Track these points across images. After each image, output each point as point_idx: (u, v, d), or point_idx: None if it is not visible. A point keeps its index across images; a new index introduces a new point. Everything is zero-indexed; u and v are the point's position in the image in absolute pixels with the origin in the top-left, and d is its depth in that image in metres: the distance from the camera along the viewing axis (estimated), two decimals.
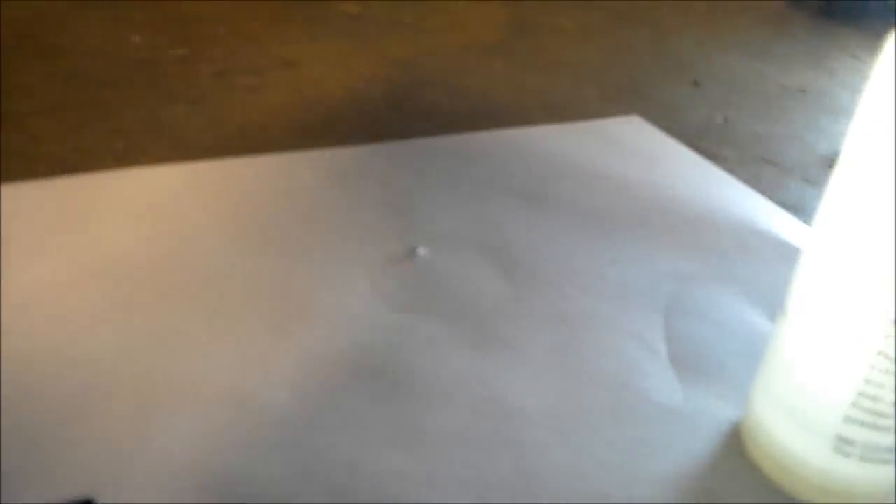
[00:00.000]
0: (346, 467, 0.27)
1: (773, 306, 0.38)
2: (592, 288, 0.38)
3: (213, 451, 0.27)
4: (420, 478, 0.28)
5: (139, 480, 0.26)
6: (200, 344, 0.32)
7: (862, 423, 0.27)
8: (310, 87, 0.53)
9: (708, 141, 0.53)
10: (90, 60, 0.53)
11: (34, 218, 0.37)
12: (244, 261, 0.36)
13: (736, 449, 0.30)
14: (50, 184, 0.39)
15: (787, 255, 0.42)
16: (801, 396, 0.28)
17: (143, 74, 0.52)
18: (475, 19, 0.69)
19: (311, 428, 0.29)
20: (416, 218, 0.41)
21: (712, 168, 0.49)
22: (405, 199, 0.42)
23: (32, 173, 0.40)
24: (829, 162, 0.52)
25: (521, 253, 0.39)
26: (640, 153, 0.50)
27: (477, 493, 0.27)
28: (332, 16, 0.65)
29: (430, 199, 0.42)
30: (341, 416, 0.29)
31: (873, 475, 0.28)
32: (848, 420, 0.27)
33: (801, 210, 0.46)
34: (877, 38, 0.76)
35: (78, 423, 0.28)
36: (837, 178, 0.27)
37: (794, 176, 0.50)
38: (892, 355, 0.25)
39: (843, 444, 0.27)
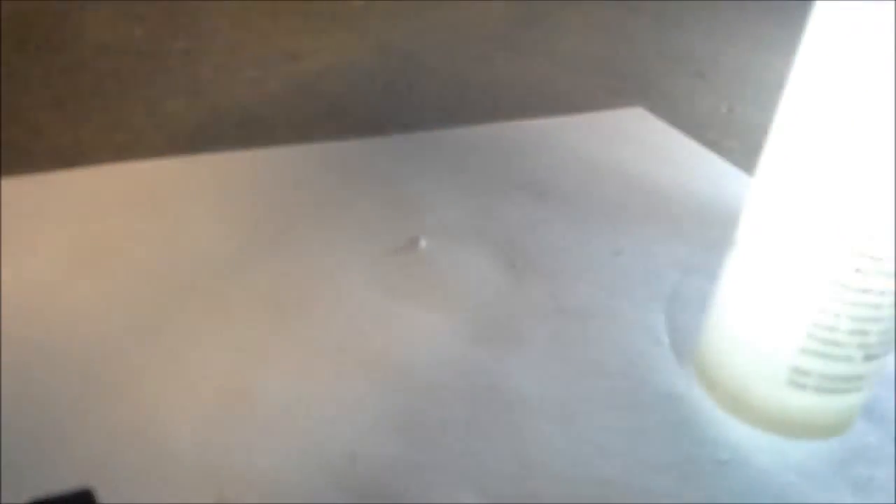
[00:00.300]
0: (346, 456, 0.27)
1: None
2: (595, 278, 0.37)
3: (212, 442, 0.27)
4: (421, 466, 0.27)
5: (139, 472, 0.26)
6: (200, 336, 0.32)
7: (817, 354, 0.27)
8: (312, 80, 0.53)
9: (712, 132, 0.53)
10: (92, 53, 0.53)
11: (35, 211, 0.37)
12: (245, 253, 0.36)
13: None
14: (50, 177, 0.39)
15: None
16: (754, 329, 0.27)
17: (145, 67, 0.52)
18: (479, 12, 0.69)
19: (311, 418, 0.29)
20: (417, 210, 0.41)
21: (716, 159, 0.49)
22: (407, 192, 0.42)
23: (33, 166, 0.40)
24: None
25: (523, 244, 0.39)
26: (643, 144, 0.50)
27: (478, 480, 0.27)
28: (335, 8, 0.65)
29: (432, 192, 0.42)
30: (341, 406, 0.29)
31: (829, 405, 0.28)
32: (804, 351, 0.27)
33: None
34: None
35: (77, 415, 0.28)
36: (788, 104, 0.27)
37: None
38: (849, 283, 0.25)
39: (798, 376, 0.27)
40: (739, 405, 0.29)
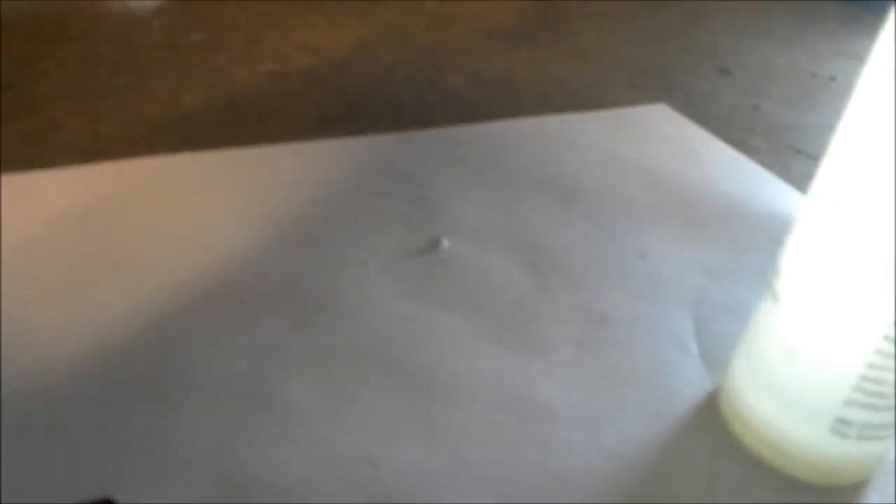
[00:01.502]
0: (367, 463, 0.27)
1: None
2: (620, 282, 0.37)
3: (232, 447, 0.27)
4: (442, 473, 0.27)
5: (159, 478, 0.25)
6: (219, 337, 0.31)
7: (862, 405, 0.26)
8: (331, 74, 0.52)
9: (737, 130, 0.52)
10: (109, 46, 0.52)
11: (52, 207, 0.36)
12: (264, 251, 0.36)
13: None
14: (65, 172, 0.39)
15: None
16: (800, 382, 0.27)
17: (163, 60, 0.51)
18: (498, 5, 0.68)
19: (331, 423, 0.28)
20: (439, 209, 0.40)
21: (741, 158, 0.48)
22: (428, 190, 0.41)
23: (50, 160, 0.40)
24: None
25: (546, 244, 0.38)
26: (667, 142, 0.49)
27: (500, 490, 0.27)
28: (355, 2, 0.64)
29: (453, 190, 0.41)
30: (362, 411, 0.29)
31: (868, 452, 0.28)
32: (849, 403, 0.26)
33: None
34: None
35: (96, 420, 0.27)
36: (835, 154, 0.26)
37: None
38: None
39: (841, 426, 0.27)
40: (776, 452, 0.28)
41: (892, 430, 0.27)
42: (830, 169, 0.26)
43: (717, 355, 0.33)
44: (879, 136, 0.24)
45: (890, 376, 0.26)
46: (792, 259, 0.27)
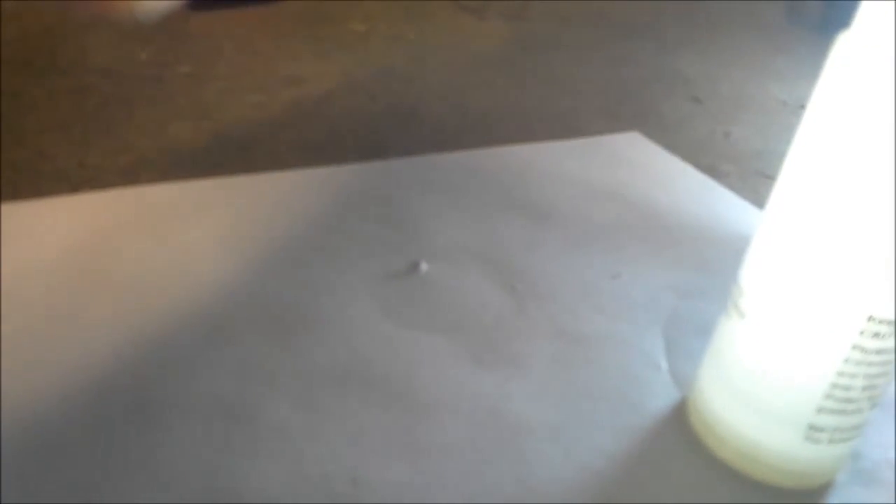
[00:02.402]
0: (348, 479, 0.28)
1: None
2: (594, 302, 0.38)
3: (216, 464, 0.28)
4: (422, 489, 0.28)
5: (143, 495, 0.26)
6: (204, 358, 0.32)
7: (833, 411, 0.27)
8: (315, 104, 0.54)
9: (708, 156, 0.54)
10: (96, 77, 0.54)
11: (38, 236, 0.37)
12: (249, 275, 0.37)
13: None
14: (54, 202, 0.40)
15: None
16: (771, 394, 0.28)
17: (150, 90, 0.53)
18: (478, 36, 0.70)
19: (312, 440, 0.29)
20: (418, 233, 0.41)
21: (712, 183, 0.50)
22: (407, 215, 0.43)
23: (37, 190, 0.41)
24: None
25: (522, 267, 0.40)
26: (639, 168, 0.50)
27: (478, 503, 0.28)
28: (338, 33, 0.66)
29: (431, 215, 0.43)
30: (343, 429, 0.30)
31: (837, 454, 0.29)
32: (820, 410, 0.27)
33: None
34: None
35: (82, 438, 0.28)
36: (789, 172, 0.27)
37: None
38: (866, 346, 0.26)
39: (814, 433, 0.28)
40: (747, 460, 0.29)
41: (860, 431, 0.29)
42: (785, 185, 0.27)
43: (686, 371, 0.34)
44: (830, 153, 0.25)
45: (859, 381, 0.27)
46: (752, 275, 0.28)
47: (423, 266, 0.39)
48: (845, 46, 0.25)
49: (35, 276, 0.35)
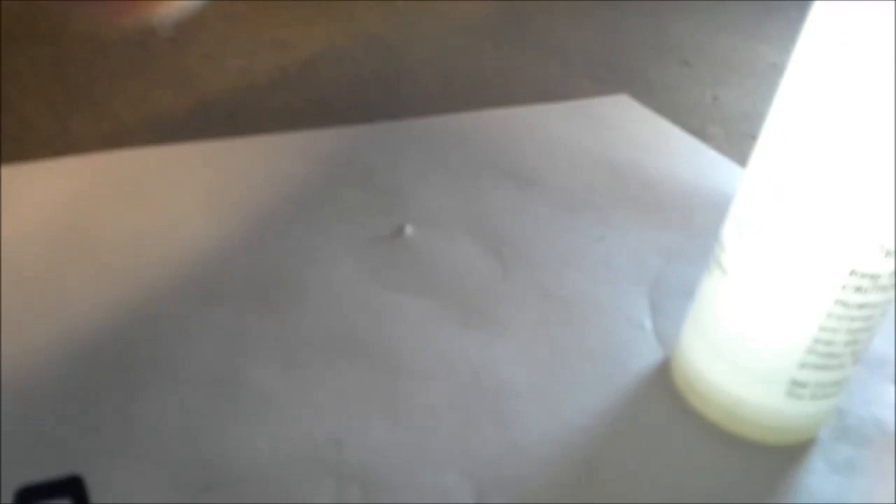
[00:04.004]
0: (333, 443, 0.28)
1: None
2: (579, 265, 0.38)
3: (200, 429, 0.28)
4: (407, 452, 0.28)
5: (128, 458, 0.26)
6: (186, 324, 0.32)
7: (815, 366, 0.28)
8: (299, 70, 0.53)
9: (697, 119, 0.53)
10: (79, 45, 0.53)
11: (22, 200, 0.37)
12: (231, 241, 0.36)
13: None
14: (36, 167, 0.39)
15: None
16: (754, 350, 0.28)
17: (132, 58, 0.52)
18: (466, 3, 0.69)
19: (296, 403, 0.29)
20: (402, 197, 0.41)
21: (700, 146, 0.50)
22: (392, 179, 0.42)
23: (21, 156, 0.40)
24: None
25: (508, 231, 0.40)
26: (628, 132, 0.50)
27: (463, 466, 0.28)
28: (324, 0, 0.65)
29: (417, 179, 0.43)
30: (327, 392, 0.30)
31: (819, 410, 0.29)
32: (803, 365, 0.27)
33: None
34: None
35: (65, 402, 0.28)
36: (771, 128, 0.27)
37: None
38: (848, 300, 0.26)
39: (796, 388, 0.28)
40: (730, 416, 0.30)
41: (842, 387, 0.29)
42: (766, 142, 0.27)
43: (670, 331, 0.34)
44: (810, 109, 0.25)
45: (840, 337, 0.27)
46: (734, 231, 0.28)
47: (409, 230, 0.38)
48: (825, 4, 0.25)
49: (16, 240, 0.34)
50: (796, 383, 0.28)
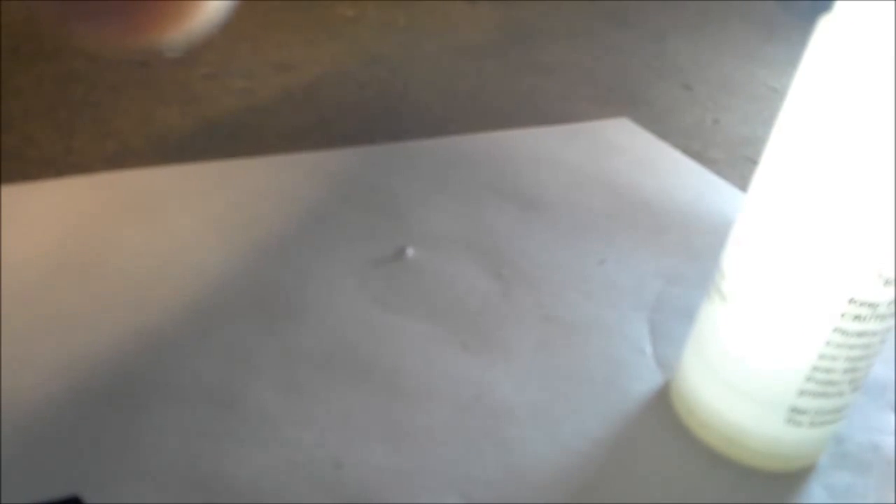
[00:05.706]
0: (332, 464, 0.28)
1: None
2: (580, 287, 0.38)
3: (199, 450, 0.28)
4: (406, 475, 0.28)
5: (127, 478, 0.26)
6: (188, 343, 0.32)
7: (814, 394, 0.28)
8: (303, 91, 0.53)
9: (697, 143, 0.54)
10: (83, 62, 0.53)
11: (24, 220, 0.37)
12: (233, 261, 0.37)
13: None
14: (41, 186, 0.40)
15: None
16: (751, 377, 0.28)
17: (136, 76, 0.52)
18: (468, 21, 0.69)
19: (296, 424, 0.29)
20: (405, 219, 0.41)
21: (701, 169, 0.50)
22: (394, 201, 0.42)
23: (23, 176, 0.40)
24: None
25: (509, 253, 0.40)
26: (628, 154, 0.50)
27: (463, 489, 0.28)
28: (326, 18, 0.66)
29: (419, 201, 0.43)
30: (327, 413, 0.30)
31: (818, 437, 0.29)
32: (802, 393, 0.28)
33: None
34: None
35: (65, 422, 0.28)
36: (771, 156, 0.27)
37: None
38: (847, 329, 0.26)
39: (795, 415, 0.28)
40: (730, 443, 0.30)
41: (841, 414, 0.29)
42: (767, 169, 0.27)
43: (671, 356, 0.34)
44: (811, 137, 0.25)
45: (840, 364, 0.27)
46: (734, 258, 0.28)
47: (410, 252, 0.39)
48: (827, 30, 0.25)
49: (20, 260, 0.35)
50: (795, 410, 0.28)
